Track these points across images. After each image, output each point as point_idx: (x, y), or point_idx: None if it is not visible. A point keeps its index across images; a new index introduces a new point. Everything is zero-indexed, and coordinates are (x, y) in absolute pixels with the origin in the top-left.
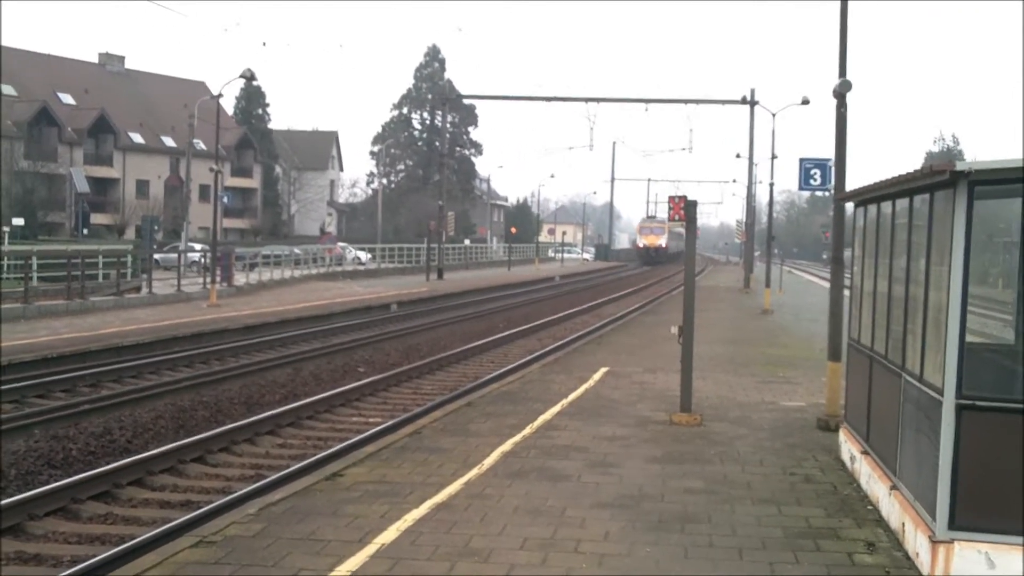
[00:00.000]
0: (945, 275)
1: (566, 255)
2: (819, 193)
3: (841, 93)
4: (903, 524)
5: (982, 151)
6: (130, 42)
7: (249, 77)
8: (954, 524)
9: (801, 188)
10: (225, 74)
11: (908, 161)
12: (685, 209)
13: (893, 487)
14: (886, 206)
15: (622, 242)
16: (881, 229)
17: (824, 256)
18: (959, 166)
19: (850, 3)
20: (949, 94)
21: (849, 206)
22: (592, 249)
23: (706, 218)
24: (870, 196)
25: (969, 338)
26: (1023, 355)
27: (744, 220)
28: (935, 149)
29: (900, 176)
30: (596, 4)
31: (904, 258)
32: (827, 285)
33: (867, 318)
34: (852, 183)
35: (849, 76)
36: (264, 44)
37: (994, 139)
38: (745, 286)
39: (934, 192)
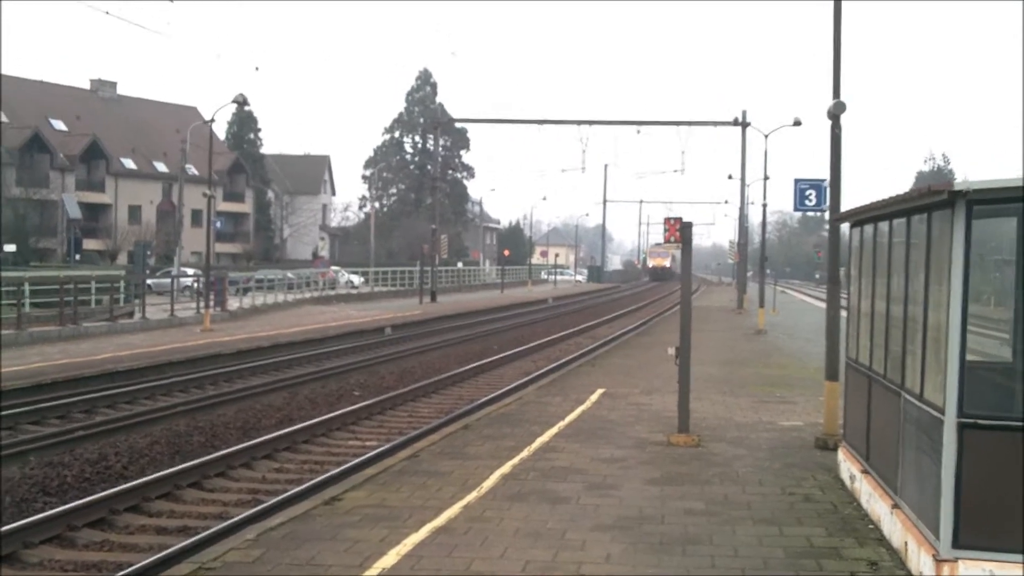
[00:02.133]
0: (944, 294)
1: (559, 277)
2: (811, 213)
3: (835, 115)
4: (905, 543)
5: (973, 170)
6: (122, 68)
7: (241, 102)
8: (958, 543)
9: (796, 209)
10: (217, 99)
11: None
12: (680, 230)
13: (895, 506)
14: (883, 226)
15: (615, 264)
16: (878, 249)
17: (816, 276)
18: (957, 186)
19: (843, 24)
20: (940, 113)
21: (844, 226)
22: (585, 271)
23: (699, 239)
24: (866, 216)
25: (968, 357)
26: (1022, 374)
27: (737, 240)
28: (926, 168)
29: (897, 196)
30: (589, 27)
31: (902, 277)
32: (820, 305)
33: (865, 337)
34: (845, 203)
35: (840, 96)
36: (256, 69)
37: (986, 157)
38: (739, 306)
39: (932, 212)
